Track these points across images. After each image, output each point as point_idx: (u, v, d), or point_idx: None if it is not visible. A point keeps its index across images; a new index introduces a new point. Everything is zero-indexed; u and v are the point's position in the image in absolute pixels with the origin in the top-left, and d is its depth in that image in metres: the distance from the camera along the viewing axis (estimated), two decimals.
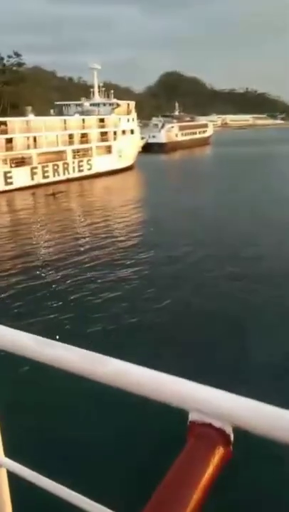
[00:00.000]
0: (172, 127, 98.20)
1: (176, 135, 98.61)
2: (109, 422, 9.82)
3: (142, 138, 70.29)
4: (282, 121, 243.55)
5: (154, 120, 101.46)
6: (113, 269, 20.98)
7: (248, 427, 0.73)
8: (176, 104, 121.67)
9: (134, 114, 64.43)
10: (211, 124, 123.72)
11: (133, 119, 64.04)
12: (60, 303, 17.15)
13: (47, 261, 22.82)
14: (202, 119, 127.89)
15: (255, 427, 0.73)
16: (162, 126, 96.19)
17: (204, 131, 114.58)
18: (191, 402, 0.78)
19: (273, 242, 24.40)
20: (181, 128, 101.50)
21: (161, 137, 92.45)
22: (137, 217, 32.87)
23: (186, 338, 14.08)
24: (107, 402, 8.79)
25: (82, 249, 24.91)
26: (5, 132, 45.86)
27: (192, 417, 0.79)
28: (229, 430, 0.76)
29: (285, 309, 15.98)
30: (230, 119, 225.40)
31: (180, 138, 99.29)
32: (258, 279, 18.93)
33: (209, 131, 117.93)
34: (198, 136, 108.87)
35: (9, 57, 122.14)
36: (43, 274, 20.70)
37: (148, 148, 75.03)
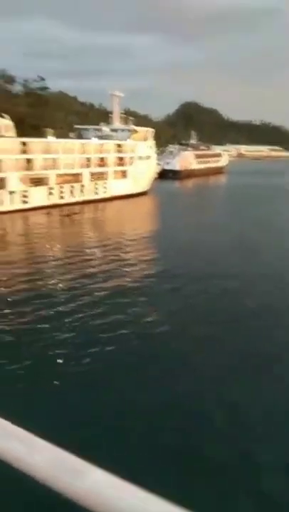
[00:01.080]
0: (187, 155, 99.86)
1: (191, 163, 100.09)
2: None
3: (158, 164, 71.62)
4: None
5: (170, 147, 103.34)
6: (121, 293, 21.12)
7: None
8: (193, 133, 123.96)
9: (151, 141, 65.87)
10: (226, 154, 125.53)
11: (150, 146, 65.43)
12: (64, 324, 17.29)
13: (56, 281, 23.09)
14: (217, 149, 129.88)
15: None
16: (178, 154, 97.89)
17: (219, 161, 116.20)
18: None
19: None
20: (197, 156, 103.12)
21: (176, 164, 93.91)
22: (148, 242, 33.20)
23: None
24: None
25: (91, 270, 25.15)
26: (25, 152, 47.18)
27: None
28: None
29: None
30: (246, 149, 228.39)
31: (195, 166, 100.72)
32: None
33: (224, 161, 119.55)
34: (212, 165, 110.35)
35: (34, 81, 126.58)
36: (51, 294, 20.92)
37: (163, 175, 76.32)
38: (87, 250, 30.39)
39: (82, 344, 15.35)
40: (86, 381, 12.97)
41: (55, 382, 12.88)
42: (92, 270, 25.07)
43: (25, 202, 46.15)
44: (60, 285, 22.25)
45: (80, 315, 18.04)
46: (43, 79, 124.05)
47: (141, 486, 0.71)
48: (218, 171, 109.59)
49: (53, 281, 22.86)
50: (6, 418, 0.91)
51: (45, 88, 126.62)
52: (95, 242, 33.55)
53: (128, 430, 10.74)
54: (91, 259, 27.65)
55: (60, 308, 18.81)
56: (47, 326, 16.88)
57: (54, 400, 11.97)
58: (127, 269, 25.39)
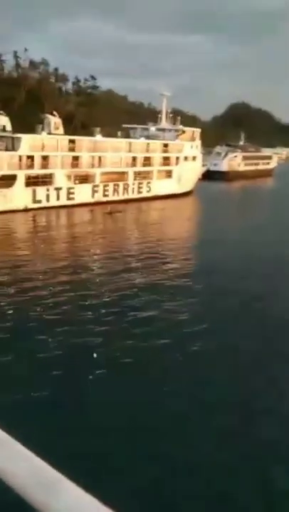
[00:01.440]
0: (235, 157, 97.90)
1: (239, 164, 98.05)
2: None
3: (204, 165, 70.71)
4: None
5: (218, 148, 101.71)
6: (158, 291, 20.90)
7: None
8: (242, 135, 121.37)
9: (198, 142, 65.13)
10: (275, 157, 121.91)
11: (197, 146, 64.72)
12: (101, 318, 17.32)
13: (96, 276, 23.27)
14: (267, 151, 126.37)
15: None
16: (225, 155, 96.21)
17: (268, 163, 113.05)
18: None
19: None
20: (245, 158, 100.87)
21: (223, 166, 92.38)
22: (189, 242, 32.79)
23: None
24: None
25: (130, 266, 25.14)
26: (73, 150, 48.11)
27: None
28: None
29: None
30: None
31: (242, 168, 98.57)
32: None
33: (273, 163, 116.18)
34: (261, 167, 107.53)
35: (86, 80, 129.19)
36: (90, 290, 21.08)
37: (209, 176, 75.20)
38: (127, 248, 30.45)
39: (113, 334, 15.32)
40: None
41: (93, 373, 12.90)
42: (128, 266, 25.06)
43: (70, 198, 47.07)
44: (97, 279, 22.39)
45: (114, 309, 18.04)
46: (94, 78, 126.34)
47: None
48: (266, 174, 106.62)
49: (90, 276, 23.05)
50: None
51: (96, 87, 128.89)
52: (134, 240, 33.57)
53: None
54: (129, 256, 27.66)
55: (94, 301, 18.92)
56: (84, 316, 17.02)
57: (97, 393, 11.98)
58: (164, 267, 25.15)
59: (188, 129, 64.83)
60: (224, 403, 11.94)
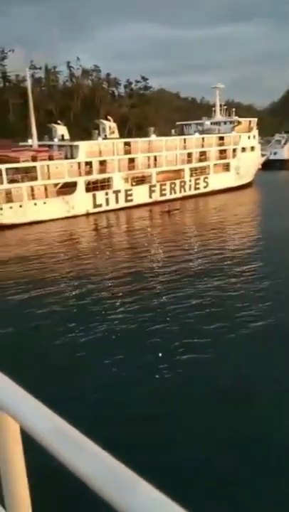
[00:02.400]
0: None
1: None
2: None
3: (263, 155, 68.37)
4: None
5: (277, 136, 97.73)
6: (224, 293, 20.55)
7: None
8: None
9: (255, 132, 63.09)
10: None
11: (254, 136, 62.72)
12: (161, 317, 17.37)
13: (157, 274, 23.40)
14: None
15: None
16: (285, 143, 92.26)
17: None
18: None
19: None
20: None
21: (284, 154, 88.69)
22: (251, 238, 31.81)
23: None
24: None
25: (191, 265, 24.97)
26: (128, 152, 48.79)
27: None
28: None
29: None
30: None
31: None
32: None
33: None
34: None
35: (137, 81, 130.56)
36: (153, 286, 21.25)
37: (269, 165, 72.59)
38: (185, 246, 30.27)
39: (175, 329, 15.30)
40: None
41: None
42: (188, 265, 24.90)
43: (128, 200, 47.80)
44: (159, 278, 22.51)
45: (172, 307, 18.02)
46: (145, 79, 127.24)
47: None
48: None
49: (152, 273, 23.24)
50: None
51: (147, 88, 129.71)
52: (192, 237, 33.27)
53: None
54: (189, 254, 27.47)
55: (154, 299, 19.04)
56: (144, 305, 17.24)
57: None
58: (229, 267, 24.67)
59: (244, 120, 63.00)
60: None
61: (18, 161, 40.53)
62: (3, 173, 38.72)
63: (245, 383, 12.47)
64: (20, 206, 39.56)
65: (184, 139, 54.89)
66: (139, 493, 0.69)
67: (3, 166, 39.05)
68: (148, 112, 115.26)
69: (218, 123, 63.48)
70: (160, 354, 14.39)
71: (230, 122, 62.34)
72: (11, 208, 39.02)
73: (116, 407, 11.51)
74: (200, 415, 11.11)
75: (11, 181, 39.59)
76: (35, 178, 40.74)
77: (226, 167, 58.32)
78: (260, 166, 65.43)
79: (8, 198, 39.08)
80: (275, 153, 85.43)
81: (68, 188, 42.99)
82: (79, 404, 11.21)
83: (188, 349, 14.58)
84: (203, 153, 55.74)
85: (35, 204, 40.43)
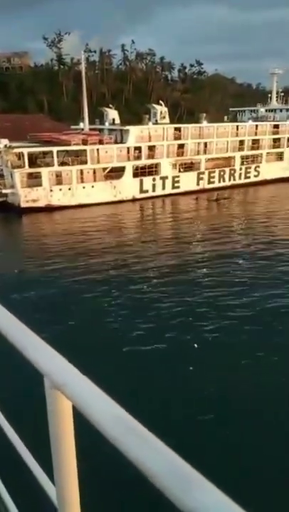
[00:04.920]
0: None
1: None
2: None
3: None
4: None
5: None
6: (271, 287, 19.94)
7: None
8: None
9: None
10: None
11: None
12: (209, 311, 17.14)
13: (198, 265, 23.10)
14: None
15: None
16: None
17: None
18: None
19: None
20: None
21: None
22: None
23: None
24: None
25: (238, 260, 24.40)
26: (178, 138, 48.09)
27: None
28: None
29: None
30: None
31: None
32: None
33: None
34: None
35: (191, 65, 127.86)
36: (197, 276, 21.01)
37: None
38: (231, 237, 29.59)
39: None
40: None
41: None
42: (234, 257, 24.35)
43: (175, 187, 47.30)
44: (199, 266, 22.21)
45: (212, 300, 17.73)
46: (200, 64, 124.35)
47: None
48: None
49: (192, 262, 22.97)
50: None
51: (201, 73, 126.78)
52: (241, 229, 32.43)
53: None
54: (235, 247, 26.85)
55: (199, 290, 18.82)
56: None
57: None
58: (275, 258, 23.88)
59: None
60: None
61: (69, 144, 41.14)
62: (54, 155, 39.46)
63: None
64: (69, 189, 40.27)
65: (237, 126, 53.27)
66: (203, 493, 0.68)
67: (55, 149, 39.77)
68: (201, 97, 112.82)
69: (273, 110, 61.03)
70: (196, 345, 14.25)
71: (287, 110, 59.71)
72: (60, 190, 39.83)
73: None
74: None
75: (62, 164, 40.30)
76: (84, 162, 41.21)
77: (280, 156, 56.14)
78: None
79: (58, 180, 39.87)
80: None
81: (116, 172, 43.16)
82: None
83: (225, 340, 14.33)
84: (255, 141, 53.89)
85: (83, 187, 40.99)
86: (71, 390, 0.93)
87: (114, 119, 51.88)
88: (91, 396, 0.89)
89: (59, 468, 1.06)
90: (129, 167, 43.99)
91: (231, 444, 9.86)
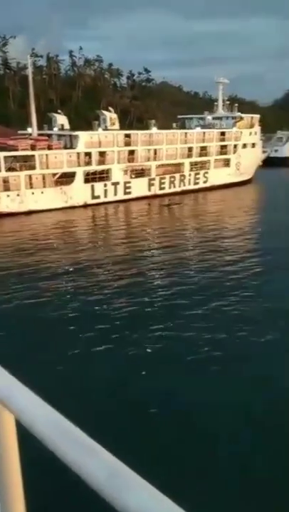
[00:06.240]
0: None
1: None
2: None
3: (264, 152, 67.99)
4: None
5: (279, 134, 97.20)
6: (217, 287, 20.36)
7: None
8: None
9: (256, 128, 62.72)
10: None
11: (255, 133, 62.35)
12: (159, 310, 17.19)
13: (153, 268, 23.19)
14: None
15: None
16: (287, 140, 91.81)
17: None
18: None
19: None
20: None
21: (285, 151, 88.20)
22: (250, 235, 31.59)
23: None
24: None
25: (188, 261, 24.76)
26: (128, 144, 48.32)
27: None
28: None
29: None
30: None
31: None
32: None
33: None
34: None
35: (139, 73, 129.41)
36: (148, 279, 21.04)
37: (270, 162, 72.21)
38: (182, 241, 30.03)
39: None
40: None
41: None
42: (185, 259, 24.69)
43: (127, 193, 47.42)
44: (151, 268, 22.30)
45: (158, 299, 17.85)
46: (148, 71, 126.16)
47: None
48: None
49: (145, 265, 23.02)
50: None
51: (150, 80, 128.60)
52: (191, 232, 33.02)
53: None
54: (184, 249, 27.25)
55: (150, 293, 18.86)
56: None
57: None
58: (223, 261, 24.47)
59: (247, 116, 62.59)
60: None
61: (16, 149, 40.05)
62: (1, 161, 38.26)
63: None
64: (18, 195, 39.15)
65: (185, 133, 54.44)
66: (137, 490, 0.69)
67: (2, 154, 38.57)
68: (149, 104, 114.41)
69: (219, 118, 62.99)
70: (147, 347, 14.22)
71: (232, 118, 61.83)
72: (8, 196, 38.61)
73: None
74: None
75: (9, 169, 39.13)
76: (33, 167, 40.29)
77: (227, 163, 57.96)
78: (261, 163, 65.08)
79: (6, 186, 38.66)
80: (276, 151, 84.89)
81: (66, 178, 42.57)
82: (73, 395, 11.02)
83: (169, 334, 14.41)
84: (203, 148, 55.32)
85: (32, 193, 40.03)
86: (14, 403, 0.92)
87: (63, 125, 51.23)
88: (33, 406, 0.88)
89: (2, 482, 1.00)
90: (79, 173, 43.54)
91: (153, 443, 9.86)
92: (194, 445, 9.83)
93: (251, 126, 61.63)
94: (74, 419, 0.74)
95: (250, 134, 60.89)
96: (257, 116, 63.83)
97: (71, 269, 23.49)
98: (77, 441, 0.79)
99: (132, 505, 0.66)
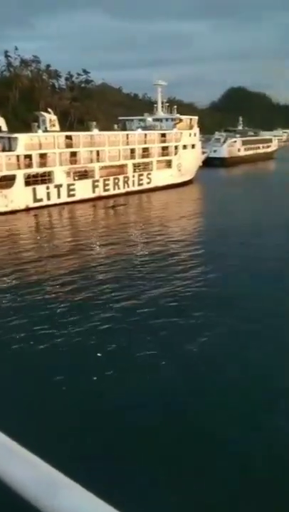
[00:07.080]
0: (235, 142, 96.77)
1: (239, 150, 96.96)
2: None
3: (204, 152, 69.93)
4: None
5: (217, 135, 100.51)
6: (165, 282, 20.67)
7: None
8: (240, 119, 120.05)
9: (196, 129, 64.37)
10: (275, 139, 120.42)
11: (195, 134, 63.95)
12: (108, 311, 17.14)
13: (103, 271, 23.05)
14: (266, 134, 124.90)
15: None
16: (224, 141, 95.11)
17: (268, 146, 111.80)
18: None
19: None
20: (244, 143, 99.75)
21: (223, 152, 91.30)
22: (193, 232, 32.43)
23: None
24: None
25: (136, 261, 24.90)
26: (70, 146, 47.63)
27: None
28: None
29: None
30: None
31: (242, 153, 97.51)
32: None
33: (273, 146, 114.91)
34: (261, 150, 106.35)
35: (78, 74, 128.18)
36: (96, 282, 20.88)
37: (209, 163, 74.45)
38: (130, 241, 30.16)
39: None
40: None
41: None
42: (133, 260, 24.82)
43: (71, 195, 46.71)
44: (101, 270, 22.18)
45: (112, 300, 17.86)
46: (87, 72, 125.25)
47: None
48: (267, 157, 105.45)
49: (95, 267, 22.85)
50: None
51: (89, 81, 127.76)
52: (138, 232, 33.25)
53: None
54: (133, 249, 27.39)
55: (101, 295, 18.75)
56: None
57: None
58: (169, 257, 24.88)
59: (186, 117, 64.01)
60: None
61: None
62: None
63: None
64: None
65: (127, 135, 54.66)
66: (63, 491, 0.66)
67: None
68: (90, 105, 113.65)
69: (160, 120, 63.88)
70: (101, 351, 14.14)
71: (172, 119, 62.94)
72: None
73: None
74: None
75: None
76: None
77: (168, 164, 58.91)
78: (202, 163, 66.89)
79: None
80: (214, 151, 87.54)
81: (6, 181, 41.12)
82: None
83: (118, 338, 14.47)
84: (146, 150, 55.86)
85: None
86: None
87: (0, 127, 49.44)
88: None
89: None
90: (20, 175, 42.24)
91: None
92: (191, 445, 9.79)
93: (190, 127, 63.14)
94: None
95: (190, 135, 62.38)
96: (195, 118, 65.50)
97: (13, 272, 22.72)
98: (3, 448, 0.75)
99: (62, 508, 0.65)
